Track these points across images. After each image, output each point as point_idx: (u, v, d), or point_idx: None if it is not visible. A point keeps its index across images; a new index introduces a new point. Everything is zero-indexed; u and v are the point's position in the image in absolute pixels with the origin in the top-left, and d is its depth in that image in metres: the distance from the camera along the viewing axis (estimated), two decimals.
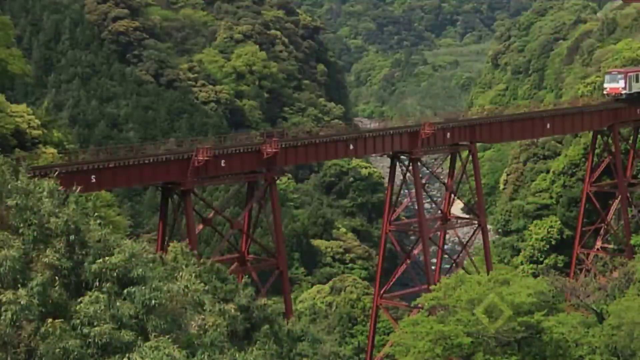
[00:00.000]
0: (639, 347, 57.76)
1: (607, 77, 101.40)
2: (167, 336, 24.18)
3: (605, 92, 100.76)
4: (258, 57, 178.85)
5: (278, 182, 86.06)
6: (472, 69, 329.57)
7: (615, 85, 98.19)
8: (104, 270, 24.93)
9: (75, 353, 22.87)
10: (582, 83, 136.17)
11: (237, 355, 27.01)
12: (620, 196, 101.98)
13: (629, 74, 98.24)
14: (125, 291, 24.85)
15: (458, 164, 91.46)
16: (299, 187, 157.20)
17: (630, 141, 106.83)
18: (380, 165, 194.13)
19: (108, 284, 24.77)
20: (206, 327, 29.13)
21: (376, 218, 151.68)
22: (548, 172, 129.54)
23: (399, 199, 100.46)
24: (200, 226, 77.26)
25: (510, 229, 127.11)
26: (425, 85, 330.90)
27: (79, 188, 29.96)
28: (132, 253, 25.66)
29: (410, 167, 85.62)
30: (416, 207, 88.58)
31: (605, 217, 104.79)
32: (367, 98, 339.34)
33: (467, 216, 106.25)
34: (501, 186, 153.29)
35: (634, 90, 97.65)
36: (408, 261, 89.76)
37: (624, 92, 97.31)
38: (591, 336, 61.16)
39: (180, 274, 29.26)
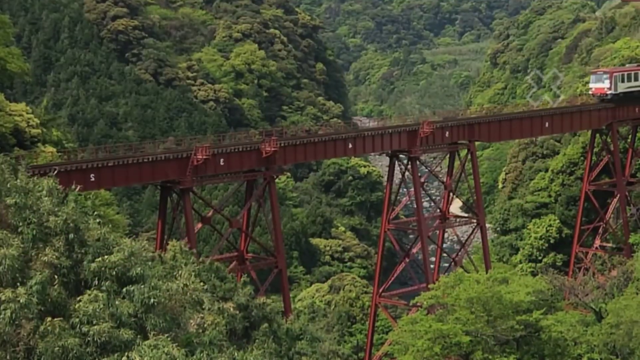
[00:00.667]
0: (638, 345, 57.80)
1: (592, 77, 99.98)
2: (166, 335, 24.23)
3: (590, 92, 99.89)
4: (257, 56, 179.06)
5: (277, 180, 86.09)
6: (470, 68, 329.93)
7: (601, 85, 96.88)
8: (103, 268, 24.99)
9: (74, 351, 22.92)
10: (581, 82, 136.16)
11: (236, 353, 27.06)
12: (618, 195, 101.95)
13: (614, 73, 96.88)
14: (124, 290, 24.90)
15: (457, 162, 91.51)
16: (298, 185, 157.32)
17: (628, 140, 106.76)
18: (379, 164, 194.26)
19: (107, 283, 24.83)
20: (205, 325, 29.20)
21: (375, 217, 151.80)
22: (547, 170, 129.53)
23: (398, 197, 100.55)
24: (199, 225, 77.24)
25: (509, 228, 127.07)
26: (424, 84, 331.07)
27: (78, 187, 30.02)
28: (131, 252, 25.72)
29: (409, 166, 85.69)
30: (415, 206, 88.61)
31: (604, 216, 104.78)
32: (366, 97, 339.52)
33: (466, 215, 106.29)
34: (500, 185, 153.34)
35: (620, 90, 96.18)
36: (407, 260, 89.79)
37: (609, 92, 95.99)
38: (590, 335, 61.21)
39: (179, 272, 29.31)
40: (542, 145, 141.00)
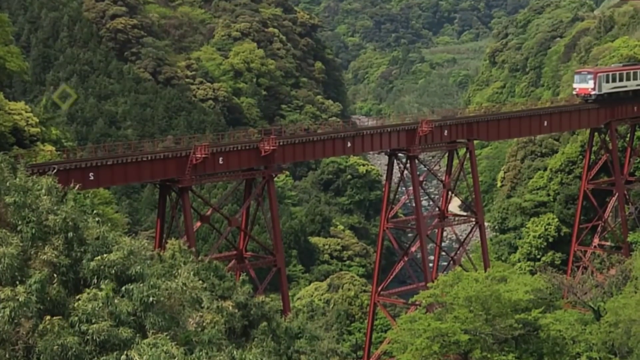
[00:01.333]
0: (636, 344, 57.90)
1: (576, 77, 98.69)
2: (165, 333, 24.24)
3: (574, 93, 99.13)
4: (256, 55, 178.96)
5: (276, 179, 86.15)
6: (469, 67, 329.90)
7: (585, 85, 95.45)
8: (102, 267, 25.01)
9: (74, 350, 22.95)
10: None
11: (235, 352, 27.07)
12: (617, 194, 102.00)
13: (598, 74, 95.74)
14: (123, 288, 24.93)
15: (455, 161, 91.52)
16: (297, 184, 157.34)
17: (627, 139, 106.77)
18: (377, 162, 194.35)
19: (106, 281, 24.85)
20: (204, 324, 29.25)
21: (374, 215, 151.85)
22: (545, 169, 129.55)
23: (397, 196, 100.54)
24: (198, 223, 77.28)
25: (507, 227, 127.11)
26: (423, 83, 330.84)
27: (77, 185, 30.07)
28: (130, 250, 25.75)
29: (408, 165, 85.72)
30: (414, 205, 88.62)
31: (603, 215, 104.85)
32: (365, 96, 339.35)
33: (465, 213, 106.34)
34: (499, 183, 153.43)
35: (604, 91, 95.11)
36: (405, 258, 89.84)
37: (593, 92, 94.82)
38: (588, 333, 61.35)
39: (178, 271, 29.32)
40: (541, 144, 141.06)
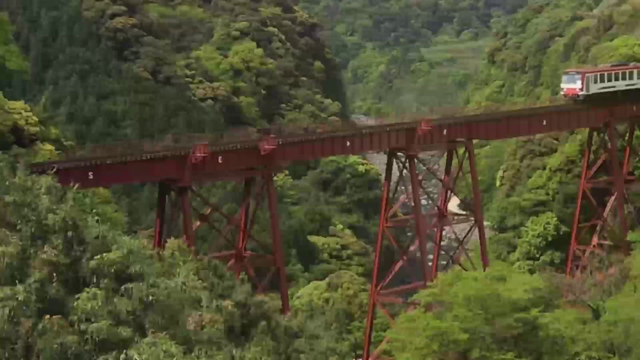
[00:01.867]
0: (635, 343, 57.87)
1: (564, 77, 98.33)
2: (165, 332, 24.28)
3: (562, 93, 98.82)
4: (255, 54, 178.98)
5: (275, 178, 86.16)
6: (468, 66, 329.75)
7: (573, 85, 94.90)
8: (101, 266, 25.04)
9: (73, 349, 22.98)
10: None
11: (234, 351, 27.12)
12: (616, 193, 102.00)
13: (586, 74, 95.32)
14: (122, 287, 24.96)
15: (455, 160, 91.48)
16: (296, 183, 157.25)
17: (626, 138, 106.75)
18: (377, 161, 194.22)
19: (106, 280, 24.88)
20: (203, 323, 29.24)
21: (373, 214, 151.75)
22: (544, 168, 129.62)
23: (396, 195, 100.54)
24: (198, 223, 77.28)
25: (506, 226, 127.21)
26: (422, 82, 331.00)
27: (76, 185, 30.08)
28: (130, 249, 25.78)
29: (407, 164, 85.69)
30: (413, 204, 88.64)
31: (602, 214, 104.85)
32: (364, 95, 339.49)
33: (464, 213, 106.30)
34: (498, 183, 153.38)
35: (592, 91, 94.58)
36: (405, 257, 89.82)
37: (581, 93, 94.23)
38: (587, 332, 61.23)
39: (178, 270, 29.37)
40: (540, 143, 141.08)
